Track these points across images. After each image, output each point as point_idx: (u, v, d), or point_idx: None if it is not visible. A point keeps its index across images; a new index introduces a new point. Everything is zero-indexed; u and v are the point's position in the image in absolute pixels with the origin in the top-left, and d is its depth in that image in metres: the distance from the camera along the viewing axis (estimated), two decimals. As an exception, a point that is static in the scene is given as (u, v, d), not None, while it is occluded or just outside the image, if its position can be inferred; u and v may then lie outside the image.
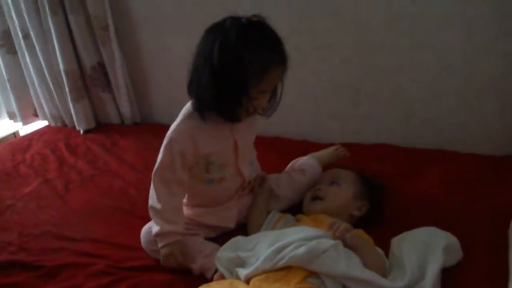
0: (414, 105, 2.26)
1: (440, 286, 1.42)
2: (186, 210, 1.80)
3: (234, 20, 1.49)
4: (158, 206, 1.64)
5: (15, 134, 3.21)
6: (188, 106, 1.67)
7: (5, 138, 3.07)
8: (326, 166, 2.02)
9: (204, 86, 1.51)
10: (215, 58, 1.46)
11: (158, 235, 1.63)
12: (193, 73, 1.56)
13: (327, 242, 1.46)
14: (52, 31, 2.69)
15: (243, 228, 1.79)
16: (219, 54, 1.45)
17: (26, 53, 2.88)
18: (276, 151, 2.33)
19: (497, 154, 2.07)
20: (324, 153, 2.14)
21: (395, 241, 1.58)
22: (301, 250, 1.42)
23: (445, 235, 1.55)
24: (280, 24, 1.49)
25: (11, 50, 2.96)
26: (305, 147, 2.30)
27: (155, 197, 1.66)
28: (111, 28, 2.67)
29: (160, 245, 1.63)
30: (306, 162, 2.05)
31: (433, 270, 1.42)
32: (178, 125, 1.65)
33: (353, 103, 2.39)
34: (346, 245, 1.51)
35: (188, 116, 1.65)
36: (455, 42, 2.05)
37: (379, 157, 2.19)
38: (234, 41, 1.45)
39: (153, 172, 1.67)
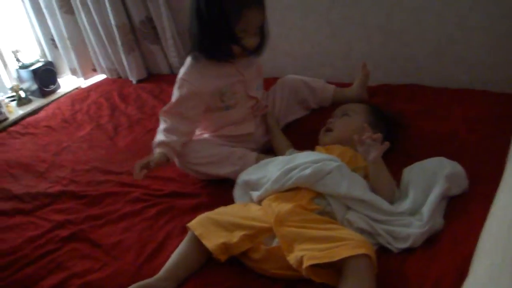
0: (443, 43, 2.24)
1: (443, 213, 1.48)
2: (208, 135, 2.02)
3: None
4: (164, 125, 1.86)
5: (77, 89, 3.40)
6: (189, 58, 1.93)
7: (69, 93, 3.28)
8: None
9: (196, 32, 1.79)
10: (201, 5, 1.71)
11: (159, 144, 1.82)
12: (188, 24, 1.83)
13: (332, 164, 1.56)
14: (103, -12, 2.85)
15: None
16: (203, 2, 1.71)
17: (82, 13, 3.05)
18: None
19: None
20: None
21: (406, 171, 1.65)
22: (307, 171, 1.53)
23: (451, 164, 1.59)
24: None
25: (69, 11, 3.15)
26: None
27: (162, 125, 1.88)
28: (156, -18, 2.80)
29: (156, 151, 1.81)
30: (322, 85, 2.22)
31: (433, 197, 1.48)
32: (188, 68, 1.90)
33: (383, 45, 2.39)
34: (359, 168, 1.62)
35: (195, 60, 1.88)
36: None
37: (407, 97, 2.20)
38: None
39: (163, 110, 1.90)
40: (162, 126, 1.87)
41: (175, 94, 1.89)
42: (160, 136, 1.82)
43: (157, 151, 1.78)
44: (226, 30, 1.73)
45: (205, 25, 1.74)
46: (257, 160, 1.84)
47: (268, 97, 2.14)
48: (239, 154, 1.87)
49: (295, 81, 2.18)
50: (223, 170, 1.84)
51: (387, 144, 1.55)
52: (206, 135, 2.02)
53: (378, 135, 1.54)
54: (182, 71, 1.91)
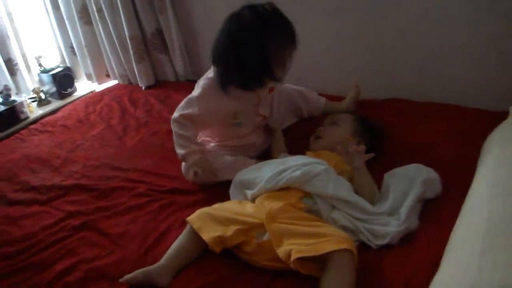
0: (425, 62, 2.24)
1: (418, 214, 1.49)
2: (213, 145, 1.97)
3: (253, 10, 1.67)
4: (186, 133, 1.80)
5: (92, 92, 3.40)
6: (210, 74, 1.85)
7: (84, 96, 3.28)
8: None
9: (231, 63, 1.70)
10: (241, 43, 1.66)
11: (185, 155, 1.79)
12: (220, 55, 1.75)
13: (320, 167, 1.56)
14: (119, 2, 2.85)
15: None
16: (245, 40, 1.65)
17: (99, 24, 3.05)
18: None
19: (499, 109, 1.95)
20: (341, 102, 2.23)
21: (386, 175, 1.65)
22: (297, 172, 1.53)
23: (427, 171, 1.60)
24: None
25: (88, 22, 3.15)
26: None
27: (181, 129, 1.81)
28: (167, -2, 2.82)
29: (187, 164, 1.80)
30: (315, 96, 2.19)
31: (410, 199, 1.49)
32: (213, 84, 1.82)
33: (371, 61, 2.39)
34: (344, 172, 1.62)
35: (214, 81, 1.81)
36: (460, 5, 2.03)
37: (390, 110, 2.20)
38: (257, 28, 1.64)
39: (177, 114, 1.82)
40: (183, 132, 1.80)
41: (194, 104, 1.82)
42: (189, 145, 1.80)
43: (193, 159, 1.78)
44: (264, 66, 1.70)
45: (243, 58, 1.69)
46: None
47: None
48: (241, 162, 1.84)
49: (292, 90, 2.16)
50: (227, 176, 1.80)
51: (371, 155, 1.59)
52: (212, 144, 1.98)
53: (362, 148, 1.57)
54: (205, 84, 1.85)
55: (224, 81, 1.78)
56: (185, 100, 1.86)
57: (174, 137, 1.83)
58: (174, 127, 1.83)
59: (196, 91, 1.86)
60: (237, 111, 1.87)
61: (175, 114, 1.84)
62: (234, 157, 1.87)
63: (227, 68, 1.74)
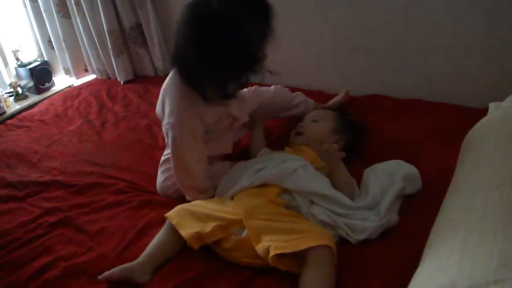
0: (406, 59, 2.24)
1: (398, 209, 1.49)
2: None
3: None
4: (196, 183, 1.66)
5: (70, 87, 3.36)
6: (174, 82, 1.61)
7: (62, 91, 3.22)
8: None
9: (214, 65, 1.46)
10: (221, 38, 1.39)
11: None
12: (187, 59, 1.50)
13: (297, 163, 1.55)
14: (97, -4, 2.81)
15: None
16: (225, 33, 1.40)
17: (77, 17, 2.99)
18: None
19: (480, 107, 1.94)
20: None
21: (366, 171, 1.65)
22: (274, 169, 1.53)
23: (407, 167, 1.60)
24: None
25: (66, 15, 3.09)
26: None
27: (191, 177, 1.64)
28: (146, -8, 2.78)
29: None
30: (306, 99, 2.09)
31: (389, 195, 1.49)
32: (178, 109, 1.56)
33: (351, 57, 2.39)
34: (322, 167, 1.62)
35: (183, 95, 1.56)
36: (441, 3, 2.03)
37: (373, 106, 2.20)
38: (237, 19, 1.40)
39: (173, 157, 1.62)
40: (194, 182, 1.64)
41: (177, 140, 1.56)
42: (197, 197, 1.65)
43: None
44: (251, 63, 1.49)
45: (225, 61, 1.44)
46: (231, 167, 1.73)
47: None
48: (217, 166, 1.76)
49: (284, 98, 2.03)
50: (207, 184, 1.69)
51: (342, 154, 1.57)
52: None
53: (335, 147, 1.55)
54: (172, 116, 1.55)
55: (204, 92, 1.53)
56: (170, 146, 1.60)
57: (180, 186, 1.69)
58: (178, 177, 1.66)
59: (172, 129, 1.56)
60: (209, 117, 1.62)
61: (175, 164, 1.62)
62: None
63: (203, 74, 1.51)
